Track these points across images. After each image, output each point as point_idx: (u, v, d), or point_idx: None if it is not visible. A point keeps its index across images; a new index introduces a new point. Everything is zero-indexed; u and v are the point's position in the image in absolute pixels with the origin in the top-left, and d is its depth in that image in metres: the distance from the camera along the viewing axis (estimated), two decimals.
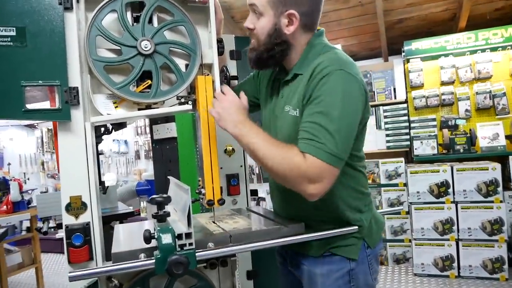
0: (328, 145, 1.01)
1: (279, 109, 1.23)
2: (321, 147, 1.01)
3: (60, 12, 1.02)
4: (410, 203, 3.46)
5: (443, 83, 3.89)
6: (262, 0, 1.12)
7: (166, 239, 0.94)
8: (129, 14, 1.16)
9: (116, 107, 1.16)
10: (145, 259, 1.00)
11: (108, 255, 1.08)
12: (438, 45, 3.89)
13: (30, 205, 3.58)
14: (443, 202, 3.32)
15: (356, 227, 1.17)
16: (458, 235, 3.27)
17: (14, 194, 3.39)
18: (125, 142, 5.75)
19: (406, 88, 4.03)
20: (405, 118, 4.02)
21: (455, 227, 3.28)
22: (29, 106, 0.99)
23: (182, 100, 1.22)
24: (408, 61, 3.98)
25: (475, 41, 3.77)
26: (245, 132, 1.10)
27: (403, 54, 4.04)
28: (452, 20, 4.21)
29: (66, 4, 1.04)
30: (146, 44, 1.13)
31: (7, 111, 0.98)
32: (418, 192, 3.41)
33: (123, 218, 2.12)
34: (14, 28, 0.97)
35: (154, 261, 0.94)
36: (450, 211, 3.30)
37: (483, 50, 3.75)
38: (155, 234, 0.96)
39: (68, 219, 1.06)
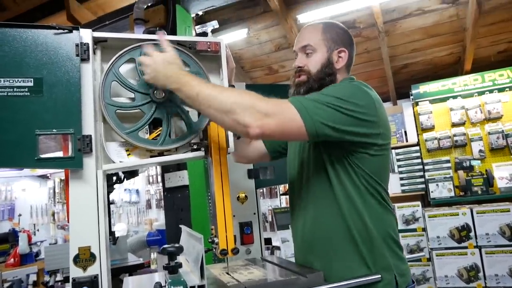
0: (300, 98, 1.09)
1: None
2: (293, 98, 1.09)
3: (77, 63, 1.05)
4: (431, 249, 3.30)
5: (454, 125, 3.87)
6: (315, 39, 1.27)
7: None
8: None
9: (128, 154, 1.15)
10: None
11: None
12: (446, 87, 3.92)
13: (38, 258, 3.50)
14: (466, 247, 3.16)
15: (379, 276, 1.09)
16: (485, 283, 3.07)
17: (22, 246, 3.32)
18: (137, 191, 5.72)
19: (417, 131, 4.02)
20: (419, 160, 3.97)
21: (481, 274, 3.09)
22: (42, 155, 0.99)
23: (195, 146, 1.21)
24: (417, 104, 4.00)
25: (482, 83, 3.81)
26: (185, 82, 1.06)
27: (411, 97, 4.07)
28: (457, 63, 4.29)
29: (83, 56, 1.06)
30: (159, 92, 1.15)
31: (20, 160, 0.98)
32: (438, 237, 3.27)
33: (133, 270, 2.05)
34: (32, 79, 0.99)
35: None
36: (474, 257, 3.12)
37: (491, 91, 3.77)
38: (166, 286, 0.91)
39: (75, 272, 1.01)
